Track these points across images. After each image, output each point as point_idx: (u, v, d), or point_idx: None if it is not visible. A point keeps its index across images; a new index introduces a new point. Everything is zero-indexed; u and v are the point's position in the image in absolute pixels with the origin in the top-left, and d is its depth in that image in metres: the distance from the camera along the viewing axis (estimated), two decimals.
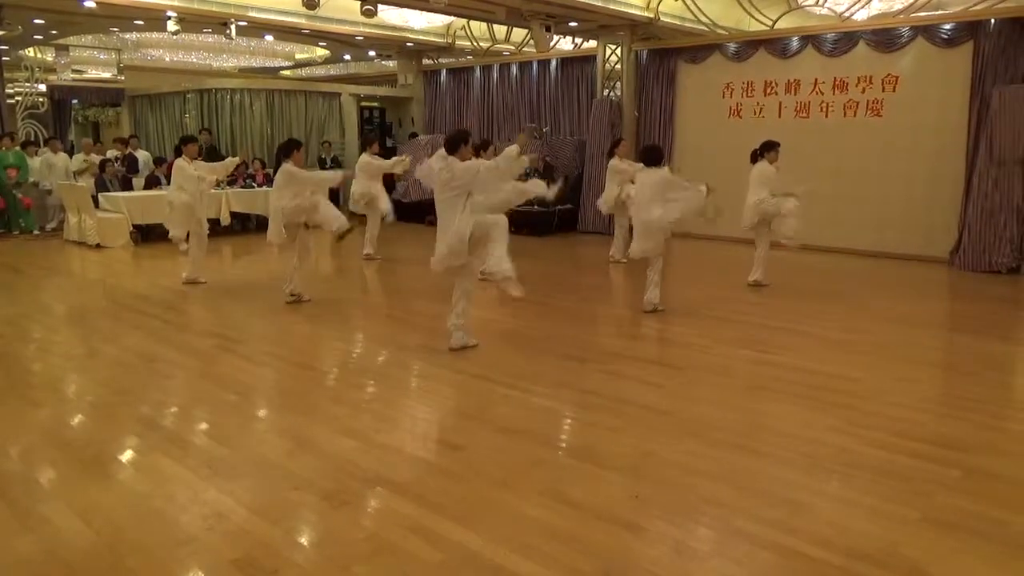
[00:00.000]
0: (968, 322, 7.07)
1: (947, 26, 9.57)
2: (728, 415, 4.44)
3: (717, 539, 3.06)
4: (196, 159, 8.34)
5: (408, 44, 15.21)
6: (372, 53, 17.62)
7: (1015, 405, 4.88)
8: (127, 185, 12.09)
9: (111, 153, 13.19)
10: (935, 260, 9.72)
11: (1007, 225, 9.00)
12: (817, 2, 11.24)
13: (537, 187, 5.76)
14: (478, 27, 14.86)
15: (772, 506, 3.30)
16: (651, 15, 11.55)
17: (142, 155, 13.47)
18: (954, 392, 5.03)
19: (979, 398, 4.77)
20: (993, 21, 9.18)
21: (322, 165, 13.90)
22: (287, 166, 6.90)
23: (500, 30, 14.59)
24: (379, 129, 16.32)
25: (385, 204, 9.77)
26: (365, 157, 9.69)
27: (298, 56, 19.18)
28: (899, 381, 5.09)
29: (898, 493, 3.43)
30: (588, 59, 13.26)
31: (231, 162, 9.49)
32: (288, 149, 7.01)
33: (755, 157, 7.93)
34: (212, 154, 13.20)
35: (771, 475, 3.64)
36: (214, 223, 10.83)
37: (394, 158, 10.02)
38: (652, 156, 6.89)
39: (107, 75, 17.14)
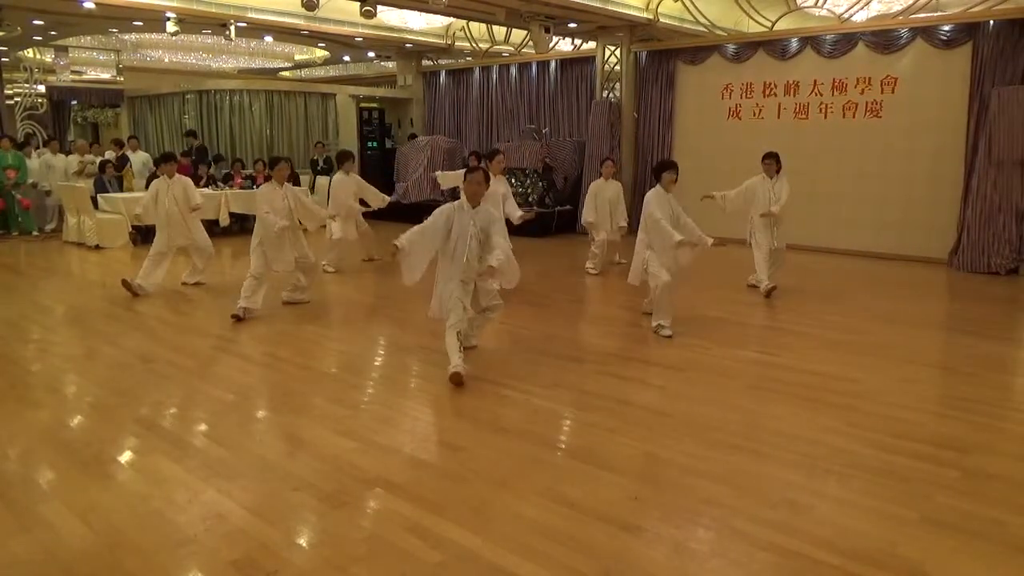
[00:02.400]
0: (967, 323, 7.07)
1: (946, 27, 9.58)
2: (728, 415, 4.44)
3: (716, 540, 3.06)
4: (176, 175, 7.99)
5: (407, 45, 15.22)
6: (371, 54, 17.62)
7: (1014, 406, 4.88)
8: (121, 186, 12.09)
9: (109, 155, 13.20)
10: (934, 261, 9.74)
11: (1006, 226, 9.02)
12: (816, 3, 11.25)
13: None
14: (477, 28, 14.87)
15: (771, 507, 3.30)
16: (650, 16, 11.57)
17: (141, 156, 13.46)
18: (953, 393, 5.04)
19: (978, 399, 4.77)
20: (992, 22, 9.19)
21: (314, 167, 13.87)
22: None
23: (499, 31, 14.60)
24: (378, 130, 16.31)
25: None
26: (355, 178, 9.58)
27: (297, 57, 19.19)
28: (898, 382, 5.10)
29: (897, 494, 3.43)
30: (587, 60, 13.27)
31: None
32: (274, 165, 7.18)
33: None
34: (202, 154, 13.19)
35: (770, 476, 3.64)
36: (213, 224, 10.84)
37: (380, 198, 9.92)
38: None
39: (106, 76, 17.13)
